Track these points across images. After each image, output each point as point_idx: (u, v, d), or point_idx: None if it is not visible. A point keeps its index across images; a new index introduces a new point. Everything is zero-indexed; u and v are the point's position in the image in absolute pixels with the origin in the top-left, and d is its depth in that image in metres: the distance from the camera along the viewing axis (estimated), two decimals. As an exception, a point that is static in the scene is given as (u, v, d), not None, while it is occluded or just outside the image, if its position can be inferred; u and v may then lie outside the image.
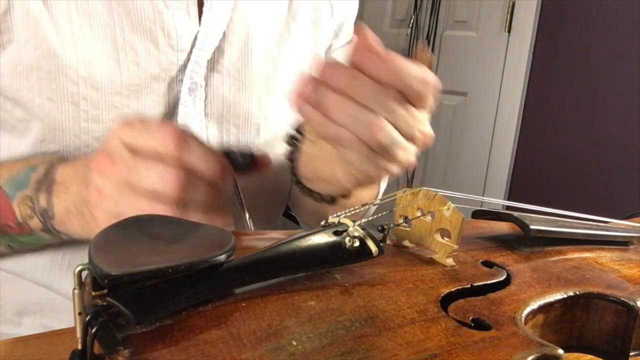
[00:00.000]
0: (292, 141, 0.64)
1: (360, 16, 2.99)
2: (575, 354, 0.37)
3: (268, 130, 0.61)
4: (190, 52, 0.53)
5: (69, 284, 0.57)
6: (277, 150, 0.64)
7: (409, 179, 2.52)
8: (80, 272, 0.25)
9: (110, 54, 0.50)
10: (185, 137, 0.39)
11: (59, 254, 0.56)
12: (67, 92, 0.49)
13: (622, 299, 0.34)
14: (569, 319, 0.35)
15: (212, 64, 0.55)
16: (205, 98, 0.55)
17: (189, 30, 0.52)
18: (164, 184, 0.37)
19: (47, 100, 0.49)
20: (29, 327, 0.57)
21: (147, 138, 0.38)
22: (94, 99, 0.50)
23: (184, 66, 0.53)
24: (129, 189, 0.37)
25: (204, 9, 0.53)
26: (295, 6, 0.61)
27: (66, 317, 0.58)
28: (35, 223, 0.46)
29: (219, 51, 0.55)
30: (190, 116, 0.55)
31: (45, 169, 0.46)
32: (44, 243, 0.50)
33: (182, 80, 0.54)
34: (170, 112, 0.54)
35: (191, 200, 0.38)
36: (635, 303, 0.34)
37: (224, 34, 0.55)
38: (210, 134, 0.57)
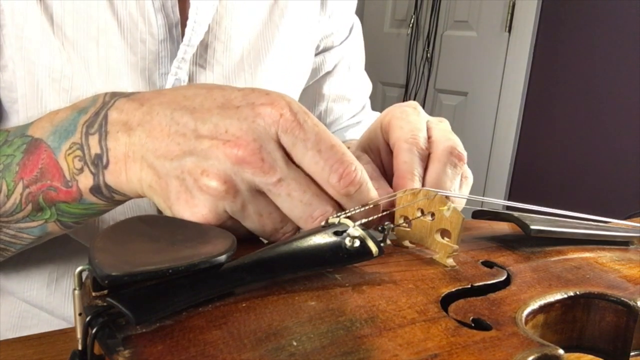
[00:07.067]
0: None
1: (361, 16, 3.01)
2: (576, 354, 0.37)
3: None
4: (177, 47, 0.51)
5: (58, 304, 0.56)
6: None
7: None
8: (80, 272, 0.25)
9: (92, 36, 0.49)
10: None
11: (46, 273, 0.55)
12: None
13: (622, 299, 0.34)
14: (570, 319, 0.35)
15: (196, 59, 0.54)
16: None
17: (168, 19, 0.51)
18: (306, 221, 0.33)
19: (28, 86, 0.48)
20: None
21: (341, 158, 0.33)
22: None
23: (169, 60, 0.52)
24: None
25: (192, 2, 0.51)
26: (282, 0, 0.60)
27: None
28: (85, 179, 0.36)
29: (202, 45, 0.53)
30: None
31: (96, 109, 0.36)
32: (95, 212, 0.39)
33: (165, 75, 0.52)
34: None
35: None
36: (636, 303, 0.34)
37: (209, 27, 0.53)
38: None
